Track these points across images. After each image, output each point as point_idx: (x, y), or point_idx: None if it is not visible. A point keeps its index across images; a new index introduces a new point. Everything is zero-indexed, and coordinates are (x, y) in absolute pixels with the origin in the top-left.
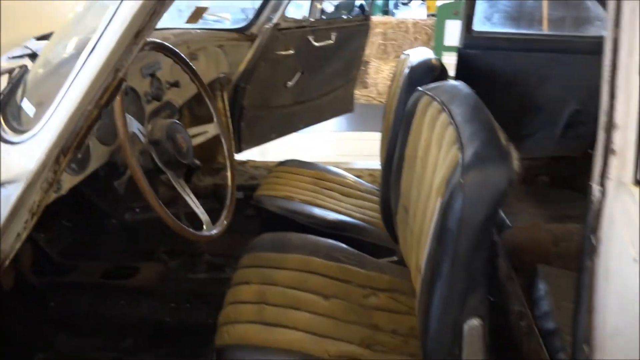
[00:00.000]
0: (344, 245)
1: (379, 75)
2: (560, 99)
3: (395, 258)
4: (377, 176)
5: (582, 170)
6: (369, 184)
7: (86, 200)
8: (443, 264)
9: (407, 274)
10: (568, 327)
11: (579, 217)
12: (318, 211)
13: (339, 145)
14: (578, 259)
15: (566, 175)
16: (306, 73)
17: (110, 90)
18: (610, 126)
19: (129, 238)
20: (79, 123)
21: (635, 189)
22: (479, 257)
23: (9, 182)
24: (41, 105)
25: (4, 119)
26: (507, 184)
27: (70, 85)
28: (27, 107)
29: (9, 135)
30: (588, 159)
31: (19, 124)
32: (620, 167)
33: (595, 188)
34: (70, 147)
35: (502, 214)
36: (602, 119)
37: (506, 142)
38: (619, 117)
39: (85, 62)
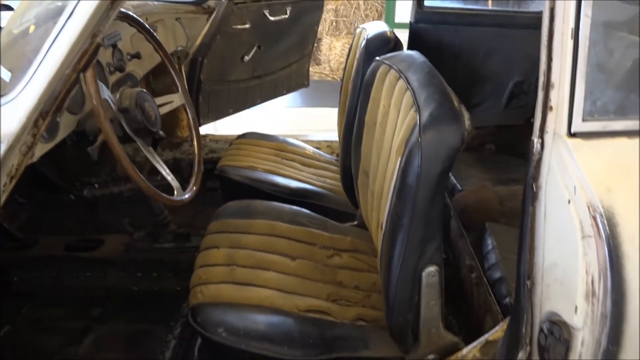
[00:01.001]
0: (307, 211)
1: (332, 52)
2: (504, 71)
3: (355, 222)
4: (335, 147)
5: (525, 137)
6: (328, 155)
7: (40, 176)
8: (403, 218)
9: (367, 236)
10: (513, 275)
11: (522, 180)
12: (281, 180)
13: (294, 121)
14: (521, 204)
15: (510, 143)
16: (262, 48)
17: (87, 55)
18: (547, 85)
19: (89, 213)
20: (58, 87)
21: (569, 140)
22: (435, 208)
23: None
24: (16, 70)
25: None
26: (460, 141)
27: (48, 50)
28: (2, 71)
29: None
30: (530, 127)
31: None
32: (556, 121)
33: (536, 141)
34: (49, 111)
35: (453, 179)
36: (541, 79)
37: (458, 104)
38: (555, 77)
39: (63, 27)
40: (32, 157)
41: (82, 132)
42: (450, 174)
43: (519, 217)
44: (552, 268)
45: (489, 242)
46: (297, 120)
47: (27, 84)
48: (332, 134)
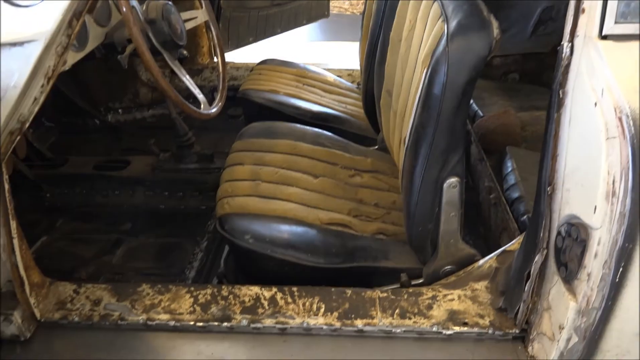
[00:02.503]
0: (329, 133)
1: None
2: None
3: (376, 147)
4: (356, 76)
5: (551, 65)
6: (349, 83)
7: (65, 101)
8: (428, 127)
9: (388, 159)
10: (531, 195)
11: (545, 108)
12: (303, 103)
13: (315, 53)
14: (546, 112)
15: (535, 72)
16: None
17: None
18: None
19: (114, 137)
20: None
21: (599, 42)
22: (459, 118)
23: (29, 41)
24: None
25: None
26: (488, 50)
27: None
28: None
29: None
30: (556, 55)
31: None
32: (587, 24)
33: (565, 46)
34: (82, 11)
35: (475, 106)
36: None
37: (487, 13)
38: None
39: None
40: (65, 65)
41: (110, 44)
42: (472, 101)
43: (540, 141)
44: (573, 173)
45: (509, 164)
46: (317, 53)
47: None
48: (353, 64)
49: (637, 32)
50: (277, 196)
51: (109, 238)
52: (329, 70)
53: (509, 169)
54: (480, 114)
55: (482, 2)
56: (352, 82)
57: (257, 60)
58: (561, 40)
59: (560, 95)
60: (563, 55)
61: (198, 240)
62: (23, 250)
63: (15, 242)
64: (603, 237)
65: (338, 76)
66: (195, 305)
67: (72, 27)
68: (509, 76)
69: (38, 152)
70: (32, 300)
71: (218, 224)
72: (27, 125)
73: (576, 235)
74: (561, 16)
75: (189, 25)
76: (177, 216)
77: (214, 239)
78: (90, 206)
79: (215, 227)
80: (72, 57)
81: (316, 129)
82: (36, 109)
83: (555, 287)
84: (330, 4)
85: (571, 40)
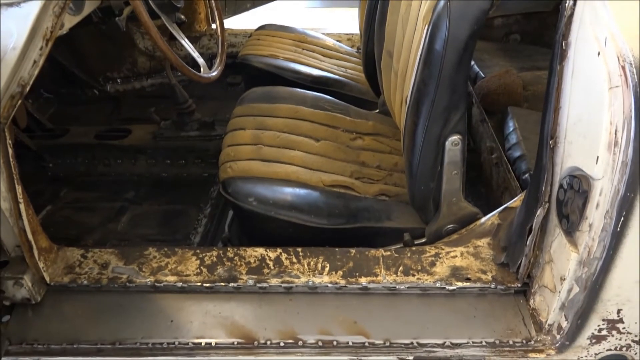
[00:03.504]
0: (329, 97)
1: None
2: None
3: (377, 110)
4: (355, 40)
5: (552, 24)
6: (348, 47)
7: (64, 72)
8: (430, 85)
9: (389, 121)
10: (533, 153)
11: (547, 67)
12: (303, 68)
13: (313, 19)
14: (549, 64)
15: (537, 32)
16: None
17: None
18: None
19: (114, 107)
20: None
21: None
22: (461, 74)
23: (26, 0)
24: None
25: None
26: (490, 3)
27: None
28: None
29: None
30: (558, 14)
31: None
32: None
33: None
34: None
35: (476, 67)
36: None
37: None
38: None
39: None
40: (62, 28)
41: (106, 8)
42: (474, 62)
43: (541, 100)
44: (576, 125)
45: (511, 124)
46: (315, 19)
47: None
48: (352, 29)
49: None
50: (279, 159)
51: (112, 206)
52: (328, 34)
53: (511, 129)
54: (482, 75)
55: None
56: (352, 46)
57: (255, 27)
58: None
59: (563, 47)
60: (566, 5)
61: (201, 207)
62: (30, 215)
63: (22, 207)
64: (605, 187)
65: (337, 40)
66: (201, 267)
67: None
68: (510, 37)
69: (38, 122)
70: (41, 265)
71: (221, 187)
72: (27, 88)
73: (578, 187)
74: None
75: None
76: (180, 183)
77: (217, 205)
78: (93, 175)
79: (218, 193)
80: (70, 20)
81: (316, 93)
82: (36, 72)
83: (557, 240)
84: None
85: None
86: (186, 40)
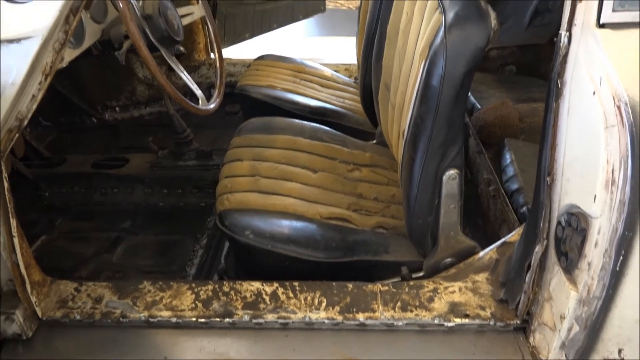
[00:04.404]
0: (327, 128)
1: None
2: None
3: (374, 141)
4: (353, 70)
5: (548, 57)
6: (346, 77)
7: (63, 100)
8: (427, 120)
9: (387, 153)
10: (530, 186)
11: (543, 99)
12: (300, 98)
13: (311, 49)
14: (545, 101)
15: (532, 63)
16: None
17: None
18: None
19: (112, 135)
20: None
21: (597, 31)
22: (458, 110)
23: (26, 37)
24: None
25: None
26: (486, 40)
27: None
28: None
29: None
30: (553, 45)
31: None
32: (585, 13)
33: (563, 35)
34: (78, 7)
35: (473, 99)
36: None
37: (485, 3)
38: None
39: None
40: (62, 62)
41: (106, 41)
42: (470, 94)
43: (538, 133)
44: (573, 162)
45: (508, 156)
46: (313, 49)
47: None
48: (349, 59)
49: (635, 20)
50: (276, 191)
51: (108, 236)
52: (325, 65)
53: (508, 161)
54: (478, 106)
55: None
56: (349, 76)
57: (254, 56)
58: (558, 31)
59: (559, 85)
60: (561, 44)
61: (198, 237)
62: (23, 248)
63: (16, 240)
64: (603, 226)
65: (335, 71)
66: (196, 302)
67: (69, 23)
68: (506, 68)
69: (36, 151)
70: (33, 299)
71: (218, 220)
72: (25, 122)
73: (576, 225)
74: (557, 7)
75: (186, 21)
76: (177, 213)
77: (213, 235)
78: (89, 204)
79: (215, 224)
80: (69, 54)
81: (314, 124)
82: (34, 106)
83: (556, 277)
84: None
85: (569, 29)
86: (185, 72)
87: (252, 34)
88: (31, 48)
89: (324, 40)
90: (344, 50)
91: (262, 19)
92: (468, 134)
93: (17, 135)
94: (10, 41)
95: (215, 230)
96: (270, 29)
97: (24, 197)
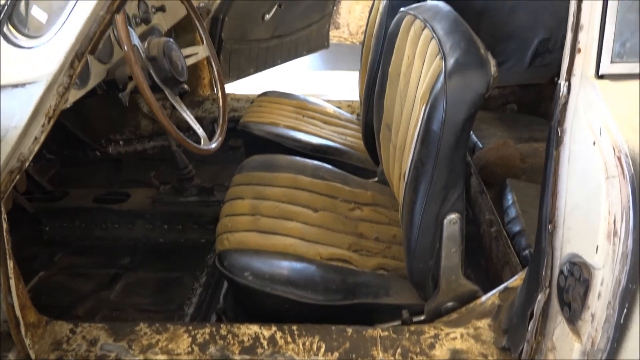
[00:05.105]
0: (328, 166)
1: (351, 15)
2: (530, 27)
3: (376, 179)
4: (355, 107)
5: (548, 96)
6: (348, 114)
7: (67, 133)
8: (427, 164)
9: (388, 191)
10: (533, 228)
11: (544, 139)
12: (303, 136)
13: (315, 83)
14: (545, 149)
15: (533, 103)
16: (283, 6)
17: None
18: (577, 27)
19: (115, 169)
20: (93, 28)
21: (596, 82)
22: (459, 154)
23: (31, 82)
24: (52, 12)
25: (13, 26)
26: (486, 87)
27: None
28: (38, 13)
29: (21, 41)
30: (554, 86)
31: (28, 30)
32: (584, 63)
33: (562, 84)
34: (84, 52)
35: (475, 138)
36: (570, 20)
37: (485, 51)
38: (584, 18)
39: None
40: (66, 102)
41: (111, 81)
42: (472, 132)
43: (539, 173)
44: (574, 211)
45: (510, 197)
46: (317, 83)
47: (62, 25)
48: (352, 94)
49: (634, 72)
50: (277, 231)
51: (107, 272)
52: (328, 101)
53: (510, 202)
54: (480, 145)
55: (479, 39)
56: (352, 113)
57: (257, 88)
58: (559, 71)
59: (559, 133)
60: (560, 93)
61: (197, 275)
62: (19, 289)
63: (12, 282)
64: (606, 278)
65: (338, 107)
66: (193, 345)
67: (73, 68)
68: (508, 107)
69: (38, 184)
70: (27, 342)
71: (217, 260)
72: (27, 164)
73: (579, 275)
74: (558, 48)
75: (190, 61)
76: (177, 250)
77: (213, 273)
78: (89, 239)
79: (214, 261)
80: (74, 95)
81: (316, 162)
82: (36, 147)
83: (559, 327)
84: (330, 33)
85: (568, 78)
86: (187, 112)
87: (257, 70)
88: (35, 92)
89: (328, 74)
90: (347, 84)
91: (267, 55)
92: (470, 173)
93: (18, 176)
94: (15, 86)
95: (215, 268)
96: (274, 64)
97: (25, 231)
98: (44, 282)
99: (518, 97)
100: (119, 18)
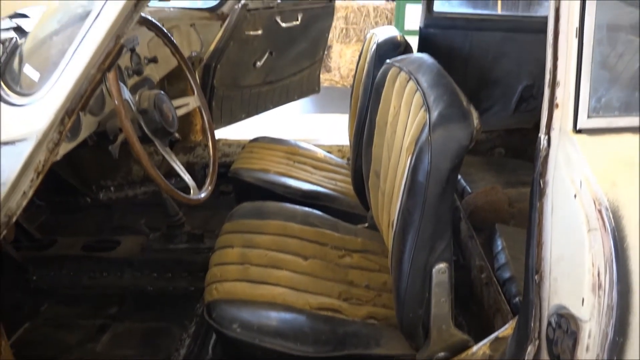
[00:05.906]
0: (319, 212)
1: (342, 59)
2: (514, 75)
3: (366, 224)
4: (345, 151)
5: (534, 140)
6: (339, 159)
7: (58, 179)
8: (414, 214)
9: (378, 237)
10: (522, 275)
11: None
12: (293, 182)
13: (306, 126)
14: (529, 200)
15: (520, 146)
16: (274, 54)
17: (112, 56)
18: (554, 83)
19: (105, 216)
20: (84, 86)
21: (574, 136)
22: (445, 205)
23: (20, 140)
24: (44, 71)
25: (6, 84)
26: (469, 139)
27: (75, 51)
28: (31, 72)
29: (13, 98)
30: (538, 130)
31: (21, 88)
32: (562, 118)
33: (542, 138)
34: (75, 109)
35: (463, 182)
36: (547, 77)
37: (467, 104)
38: (560, 75)
39: (89, 29)
40: (57, 155)
41: (102, 132)
42: (460, 177)
43: (528, 218)
44: (559, 262)
45: (499, 243)
46: (308, 126)
47: (54, 83)
48: (342, 138)
49: (610, 126)
50: (266, 280)
51: (94, 323)
52: (319, 145)
53: (499, 248)
54: (469, 190)
55: (462, 91)
56: (342, 157)
57: (249, 130)
58: None
59: (542, 185)
60: (541, 146)
61: (186, 325)
62: (2, 347)
63: None
64: (593, 330)
65: (328, 152)
66: None
67: (64, 124)
68: (495, 150)
69: (27, 232)
70: None
71: (206, 311)
72: (14, 218)
73: (566, 327)
74: (541, 94)
75: (181, 112)
76: (165, 298)
77: (202, 323)
78: (77, 289)
79: (203, 312)
80: (64, 148)
81: (306, 208)
82: (25, 202)
83: None
84: (321, 77)
85: (547, 132)
86: (177, 163)
87: (248, 115)
88: (25, 149)
89: (319, 117)
90: (338, 127)
91: (258, 100)
92: (459, 217)
93: (5, 231)
94: (5, 143)
95: (204, 317)
96: (266, 109)
97: (11, 280)
98: (28, 334)
99: (505, 141)
100: (110, 75)
